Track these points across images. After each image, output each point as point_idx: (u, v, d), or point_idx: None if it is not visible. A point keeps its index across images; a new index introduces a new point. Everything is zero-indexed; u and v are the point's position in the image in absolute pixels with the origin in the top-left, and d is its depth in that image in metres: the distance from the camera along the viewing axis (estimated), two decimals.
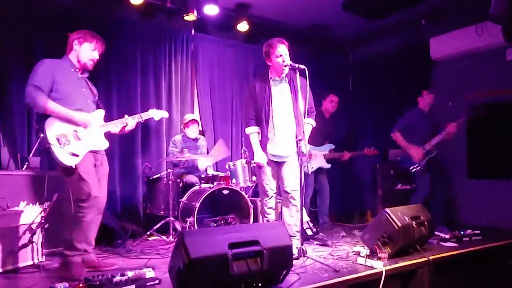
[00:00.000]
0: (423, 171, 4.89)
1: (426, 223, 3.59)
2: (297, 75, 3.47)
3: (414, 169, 4.91)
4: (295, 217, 3.58)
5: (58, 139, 2.93)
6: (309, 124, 3.71)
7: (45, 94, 2.95)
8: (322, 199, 5.39)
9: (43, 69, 3.01)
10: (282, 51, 3.53)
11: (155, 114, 3.65)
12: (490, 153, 5.37)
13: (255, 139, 3.68)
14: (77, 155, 2.98)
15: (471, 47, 5.31)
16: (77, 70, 3.17)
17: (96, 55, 3.22)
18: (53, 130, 2.94)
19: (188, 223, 4.14)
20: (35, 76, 2.97)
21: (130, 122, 3.39)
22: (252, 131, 3.68)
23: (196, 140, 5.08)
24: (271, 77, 3.65)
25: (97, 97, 3.32)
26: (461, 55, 5.52)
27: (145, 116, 3.54)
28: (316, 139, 5.03)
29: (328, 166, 5.31)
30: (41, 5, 4.45)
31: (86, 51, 3.18)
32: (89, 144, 3.09)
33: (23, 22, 4.34)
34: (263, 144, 3.62)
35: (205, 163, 4.90)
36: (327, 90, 5.41)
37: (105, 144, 3.24)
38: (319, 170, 5.29)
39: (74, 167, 2.95)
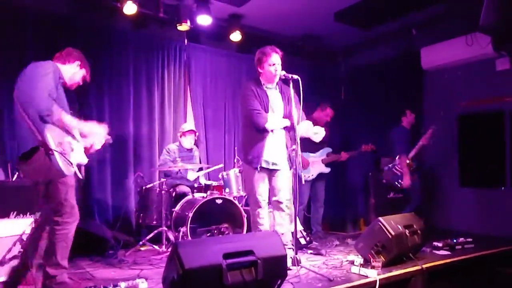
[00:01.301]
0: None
1: (419, 231, 3.61)
2: (291, 86, 3.48)
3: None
4: (285, 226, 3.57)
5: (59, 147, 2.81)
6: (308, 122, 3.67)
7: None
8: (316, 208, 5.38)
9: (54, 76, 2.90)
10: (275, 60, 3.54)
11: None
12: (481, 161, 5.43)
13: (275, 119, 3.57)
14: (72, 165, 2.90)
15: (461, 57, 5.38)
16: (62, 80, 3.07)
17: (81, 83, 3.25)
18: (55, 136, 2.81)
19: (181, 233, 4.11)
20: (48, 81, 2.82)
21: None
22: (268, 118, 3.54)
23: (190, 150, 5.07)
24: (263, 84, 3.66)
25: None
26: (452, 65, 5.59)
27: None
28: (312, 146, 5.05)
29: (327, 170, 5.31)
30: (35, 13, 4.44)
31: (80, 76, 3.21)
32: (78, 157, 3.00)
33: (15, 29, 4.32)
34: (259, 149, 3.55)
35: (194, 175, 4.90)
36: (324, 101, 5.46)
37: (86, 159, 3.11)
38: (319, 177, 5.28)
39: (67, 177, 2.87)
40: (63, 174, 2.80)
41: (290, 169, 3.61)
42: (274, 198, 3.65)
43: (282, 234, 3.61)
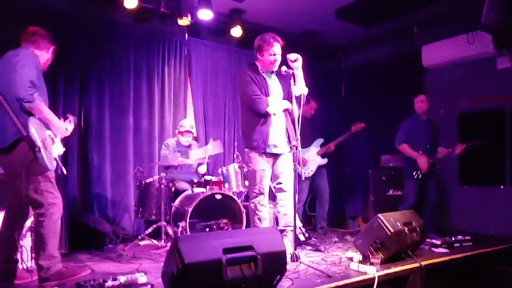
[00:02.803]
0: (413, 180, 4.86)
1: (418, 229, 3.61)
2: (292, 81, 3.48)
3: (417, 175, 4.83)
4: (288, 207, 3.58)
5: (43, 142, 2.77)
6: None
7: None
8: (321, 204, 5.38)
9: (36, 63, 2.83)
10: (276, 50, 3.54)
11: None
12: (481, 159, 5.42)
13: (276, 102, 3.56)
14: (55, 160, 2.88)
15: (462, 56, 5.38)
16: (40, 68, 2.95)
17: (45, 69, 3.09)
18: (39, 131, 2.77)
19: (180, 228, 4.11)
20: (30, 70, 2.75)
21: (69, 128, 3.13)
22: (269, 102, 3.51)
23: (189, 146, 5.06)
24: (261, 70, 3.64)
25: None
26: (452, 63, 5.59)
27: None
28: (304, 141, 5.03)
29: (325, 161, 5.32)
30: (34, 6, 4.41)
31: (48, 62, 3.09)
32: (57, 149, 2.99)
33: (14, 23, 4.28)
34: (264, 133, 3.52)
35: (196, 155, 4.81)
36: (312, 96, 5.38)
37: (62, 149, 3.10)
38: (318, 172, 5.27)
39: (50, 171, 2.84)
40: (48, 169, 2.80)
41: (290, 151, 3.61)
42: (276, 181, 3.66)
43: (285, 214, 3.62)
